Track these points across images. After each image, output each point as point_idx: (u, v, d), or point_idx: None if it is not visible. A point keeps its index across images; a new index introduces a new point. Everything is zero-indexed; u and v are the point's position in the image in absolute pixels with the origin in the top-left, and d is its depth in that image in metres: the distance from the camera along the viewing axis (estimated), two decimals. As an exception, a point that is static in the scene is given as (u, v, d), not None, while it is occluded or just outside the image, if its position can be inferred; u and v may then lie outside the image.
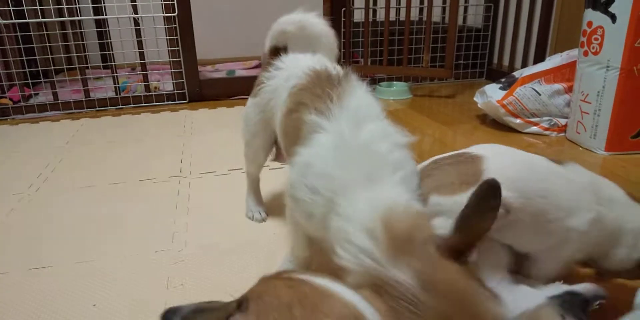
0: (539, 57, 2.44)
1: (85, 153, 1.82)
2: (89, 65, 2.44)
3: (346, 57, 2.63)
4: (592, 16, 1.65)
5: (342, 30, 2.61)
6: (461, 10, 2.81)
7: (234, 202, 1.35)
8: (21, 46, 2.31)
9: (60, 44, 2.40)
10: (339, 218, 0.70)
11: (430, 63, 2.63)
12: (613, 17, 1.57)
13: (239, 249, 1.14)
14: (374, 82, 2.66)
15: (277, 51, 1.14)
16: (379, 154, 0.74)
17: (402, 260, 0.59)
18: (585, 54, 1.70)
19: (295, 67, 1.00)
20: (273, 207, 1.31)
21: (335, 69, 0.95)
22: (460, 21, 2.83)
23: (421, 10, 2.85)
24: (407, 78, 2.73)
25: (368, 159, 0.73)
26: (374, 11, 2.77)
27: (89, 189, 1.50)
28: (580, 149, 1.77)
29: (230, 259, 1.10)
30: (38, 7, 2.26)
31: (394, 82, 2.64)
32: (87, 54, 2.49)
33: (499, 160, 0.83)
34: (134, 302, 0.96)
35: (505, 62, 2.77)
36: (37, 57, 2.35)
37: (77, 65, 2.38)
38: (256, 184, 1.32)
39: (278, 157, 1.25)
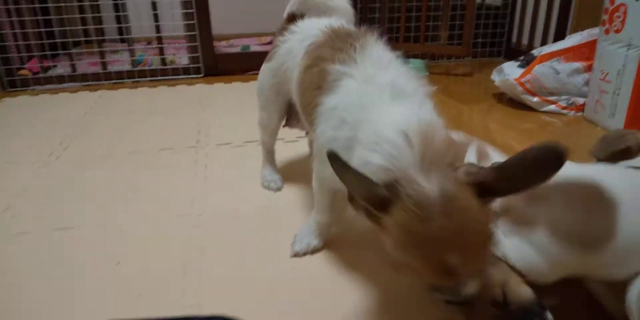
0: (559, 36, 2.40)
1: (104, 124, 1.85)
2: (105, 38, 2.46)
3: (362, 33, 2.61)
4: (617, -7, 1.62)
5: (359, 6, 2.58)
6: (481, -13, 2.76)
7: (250, 172, 1.37)
8: (39, 18, 2.32)
9: (77, 16, 2.42)
10: (369, 126, 0.72)
11: (448, 41, 2.60)
12: (638, -6, 1.53)
13: (255, 215, 1.16)
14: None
15: (294, 18, 1.14)
16: (406, 88, 0.77)
17: (430, 171, 0.61)
18: (607, 32, 1.68)
19: (311, 28, 1.02)
20: (288, 178, 1.33)
21: (352, 27, 0.97)
22: (479, -1, 2.78)
23: (440, -14, 2.80)
24: (424, 55, 2.70)
25: (396, 89, 0.76)
26: (392, -13, 2.73)
27: (109, 157, 1.53)
28: (598, 128, 1.76)
29: (246, 223, 1.13)
30: (56, -22, 2.27)
31: (411, 59, 2.62)
32: (103, 26, 2.50)
33: None
34: (155, 261, 0.99)
35: (525, 40, 2.73)
36: (54, 28, 2.36)
37: (94, 38, 2.39)
38: (271, 154, 1.34)
39: (288, 123, 1.27)
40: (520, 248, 0.74)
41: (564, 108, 1.89)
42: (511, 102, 2.03)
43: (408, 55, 2.66)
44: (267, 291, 0.90)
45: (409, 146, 0.64)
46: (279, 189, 1.29)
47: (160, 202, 1.24)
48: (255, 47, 2.86)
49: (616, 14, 1.62)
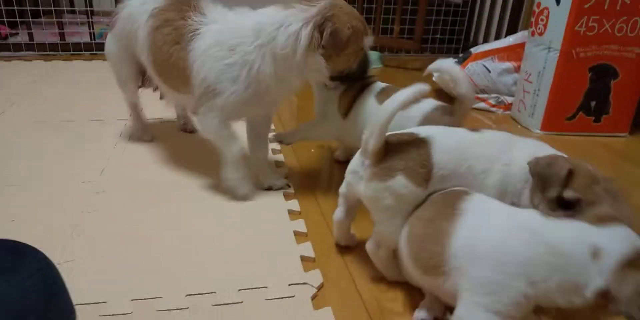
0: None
1: (47, 92, 1.90)
2: (64, 8, 2.48)
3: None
4: (542, -3, 1.69)
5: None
6: (444, -16, 2.81)
7: (172, 147, 1.44)
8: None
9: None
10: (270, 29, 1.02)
11: (405, 35, 2.66)
12: (557, -1, 1.61)
13: (161, 186, 1.23)
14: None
15: None
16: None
17: None
18: (533, 34, 1.75)
19: None
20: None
21: None
22: (441, -5, 2.83)
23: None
24: (382, 48, 2.76)
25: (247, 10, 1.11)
26: (357, -22, 2.77)
27: (42, 124, 1.59)
28: (519, 126, 1.84)
29: (146, 192, 1.20)
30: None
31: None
32: (67, -3, 2.51)
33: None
34: (47, 221, 1.06)
35: (480, 39, 2.80)
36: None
37: (52, 8, 2.42)
38: (137, 110, 1.50)
39: (144, 83, 1.38)
40: None
41: (493, 106, 1.97)
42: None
43: (364, 46, 2.72)
44: (138, 254, 0.97)
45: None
46: (150, 140, 1.47)
47: (72, 168, 1.30)
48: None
49: (540, 17, 1.70)
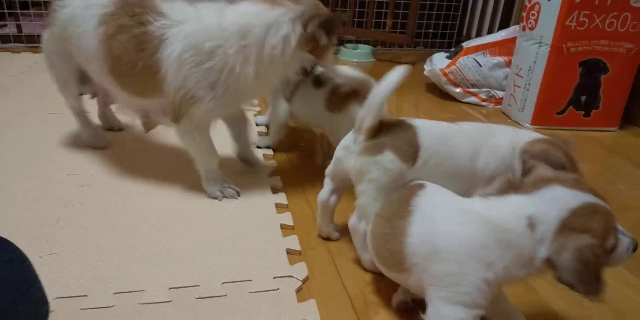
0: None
1: (34, 84, 1.87)
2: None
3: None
4: (533, -9, 1.69)
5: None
6: (437, -22, 2.80)
7: (159, 140, 1.43)
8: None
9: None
10: (254, 29, 0.99)
11: (398, 29, 2.65)
12: (548, -6, 1.60)
13: (143, 177, 1.22)
14: (340, 43, 2.68)
15: None
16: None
17: None
18: (524, 29, 1.75)
19: None
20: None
21: None
22: (434, -11, 2.83)
23: (397, -26, 2.83)
24: (375, 42, 2.75)
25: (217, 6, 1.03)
26: (350, -29, 2.76)
27: (27, 115, 1.57)
28: (509, 121, 1.84)
29: (132, 186, 1.19)
30: None
31: (360, 45, 2.66)
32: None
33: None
34: (30, 213, 1.05)
35: (473, 33, 2.80)
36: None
37: (42, -1, 2.39)
38: (83, 115, 1.38)
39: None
40: None
41: (484, 100, 1.97)
42: (439, 92, 2.10)
43: (357, 41, 2.71)
44: (122, 247, 0.97)
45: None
46: (104, 147, 1.35)
47: (58, 160, 1.29)
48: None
49: (532, 12, 1.69)
